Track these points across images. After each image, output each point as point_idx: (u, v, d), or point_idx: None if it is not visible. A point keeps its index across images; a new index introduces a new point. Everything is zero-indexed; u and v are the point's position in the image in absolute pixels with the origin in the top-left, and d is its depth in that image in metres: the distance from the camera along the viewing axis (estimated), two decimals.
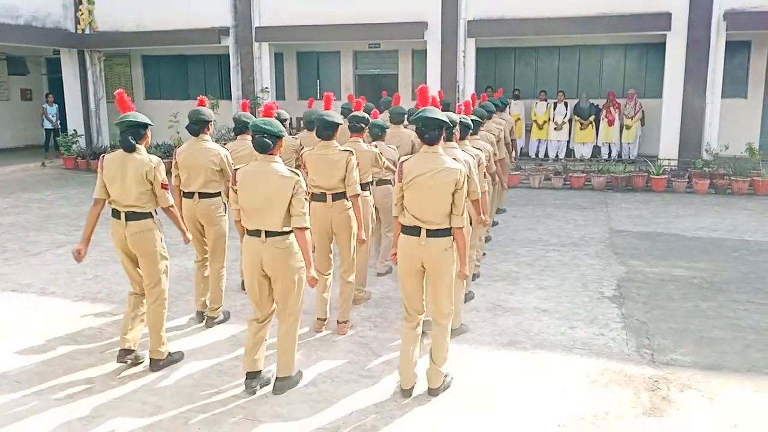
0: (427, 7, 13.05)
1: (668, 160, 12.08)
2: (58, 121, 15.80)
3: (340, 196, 4.83)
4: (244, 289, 5.47)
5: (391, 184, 5.94)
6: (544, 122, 13.61)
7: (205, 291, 5.12)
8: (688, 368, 4.31)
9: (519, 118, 13.30)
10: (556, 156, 13.57)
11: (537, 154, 13.82)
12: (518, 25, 12.66)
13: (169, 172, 4.29)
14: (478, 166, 4.74)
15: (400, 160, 3.90)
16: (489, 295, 5.77)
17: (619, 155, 13.19)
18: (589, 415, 3.70)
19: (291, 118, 11.76)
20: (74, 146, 14.99)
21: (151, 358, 4.31)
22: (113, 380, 4.16)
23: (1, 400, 3.92)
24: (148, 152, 4.21)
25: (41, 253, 7.32)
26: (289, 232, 3.76)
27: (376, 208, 5.90)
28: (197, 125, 4.87)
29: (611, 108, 13.12)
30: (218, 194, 4.97)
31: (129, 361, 4.34)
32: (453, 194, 3.71)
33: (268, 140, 3.70)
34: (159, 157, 4.30)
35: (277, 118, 4.28)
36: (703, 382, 4.11)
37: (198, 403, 3.86)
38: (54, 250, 7.44)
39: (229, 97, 14.90)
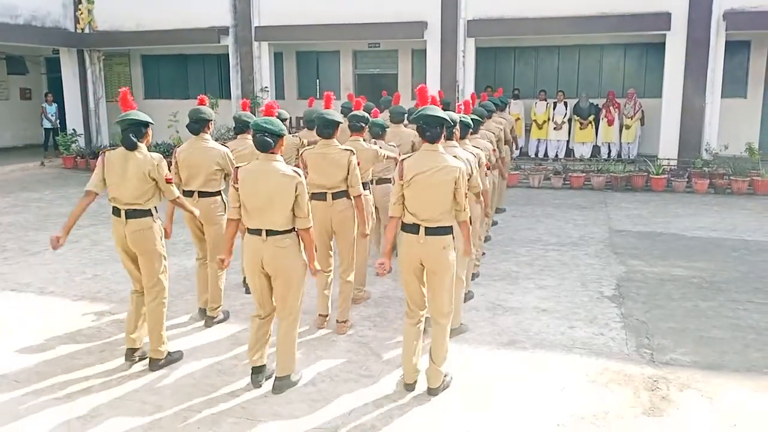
0: (427, 7, 13.04)
1: (668, 159, 12.07)
2: (58, 121, 15.77)
3: (340, 194, 4.83)
4: (248, 291, 5.49)
5: (390, 182, 5.95)
6: (544, 122, 13.61)
7: (207, 288, 5.13)
8: (688, 368, 4.31)
9: (519, 118, 13.29)
10: (556, 156, 13.57)
11: (537, 154, 13.81)
12: (518, 24, 12.66)
13: (169, 171, 4.29)
14: (479, 165, 4.75)
15: (401, 158, 3.91)
16: (489, 295, 5.77)
17: (619, 155, 13.18)
18: (588, 415, 3.70)
19: (291, 118, 11.79)
20: (73, 146, 14.98)
21: (150, 358, 4.31)
22: (112, 379, 4.16)
23: (0, 399, 3.92)
24: (148, 150, 4.21)
25: (40, 253, 7.31)
26: (289, 231, 3.76)
27: (375, 207, 5.91)
28: (198, 124, 4.88)
29: (611, 108, 13.12)
30: (218, 193, 4.98)
31: (137, 359, 4.38)
32: (454, 192, 3.72)
33: (269, 139, 3.72)
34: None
35: (277, 118, 4.28)
36: (703, 382, 4.11)
37: (197, 402, 3.86)
38: (53, 250, 7.40)
39: (228, 96, 14.89)
